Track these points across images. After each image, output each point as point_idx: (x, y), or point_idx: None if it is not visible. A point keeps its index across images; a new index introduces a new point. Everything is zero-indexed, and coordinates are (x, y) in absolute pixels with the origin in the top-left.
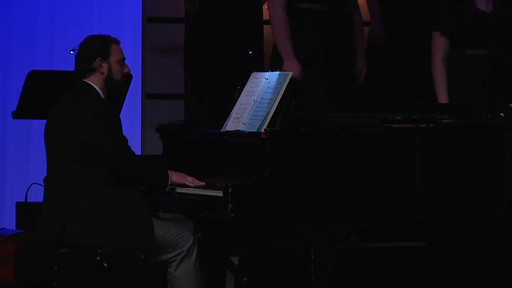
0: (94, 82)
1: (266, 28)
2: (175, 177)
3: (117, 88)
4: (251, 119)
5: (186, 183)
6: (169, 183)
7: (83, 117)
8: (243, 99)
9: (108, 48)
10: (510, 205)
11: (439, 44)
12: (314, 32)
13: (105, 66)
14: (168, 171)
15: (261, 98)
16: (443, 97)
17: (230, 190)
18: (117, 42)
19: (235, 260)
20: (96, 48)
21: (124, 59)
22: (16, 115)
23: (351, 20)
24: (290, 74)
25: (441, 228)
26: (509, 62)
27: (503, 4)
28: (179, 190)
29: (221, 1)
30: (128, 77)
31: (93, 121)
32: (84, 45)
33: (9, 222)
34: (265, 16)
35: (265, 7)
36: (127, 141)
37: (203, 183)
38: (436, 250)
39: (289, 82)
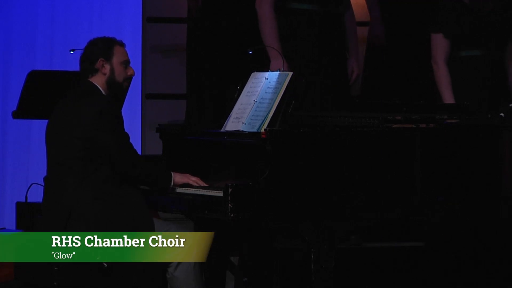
0: (97, 82)
1: None
2: (178, 178)
3: (120, 90)
4: (251, 119)
5: (190, 183)
6: (172, 184)
7: (86, 114)
8: (243, 99)
9: (111, 50)
10: (510, 205)
11: (442, 46)
12: (309, 32)
13: (107, 67)
14: (172, 173)
15: (261, 98)
16: (449, 99)
17: (230, 190)
18: (121, 44)
19: (235, 260)
20: (99, 48)
21: (128, 61)
22: (16, 115)
23: (343, 20)
24: (290, 74)
25: (440, 228)
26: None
27: (503, 4)
28: (179, 190)
29: (223, 1)
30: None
31: (97, 118)
32: (88, 46)
33: (9, 222)
34: None
35: None
36: (128, 138)
37: (207, 185)
38: (435, 250)
39: (289, 82)
